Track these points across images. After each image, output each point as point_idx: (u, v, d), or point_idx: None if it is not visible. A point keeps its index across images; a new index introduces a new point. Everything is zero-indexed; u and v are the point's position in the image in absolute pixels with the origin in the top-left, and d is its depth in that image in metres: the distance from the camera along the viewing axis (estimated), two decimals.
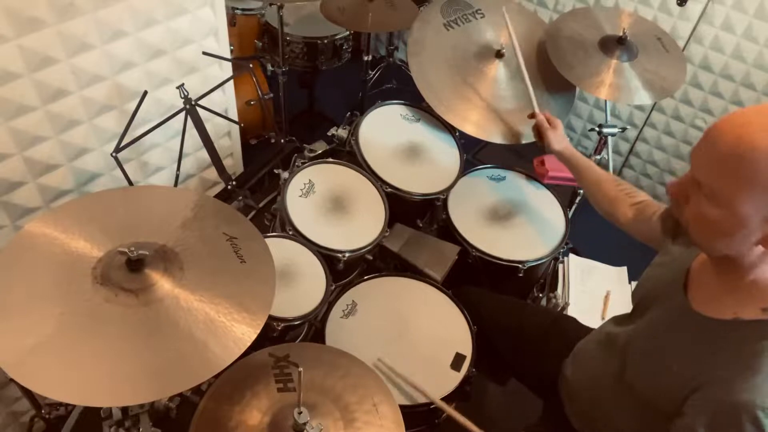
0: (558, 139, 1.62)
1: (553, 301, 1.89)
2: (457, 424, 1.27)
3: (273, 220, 1.83)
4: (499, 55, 1.90)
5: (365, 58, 2.58)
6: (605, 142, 2.06)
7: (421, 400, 1.39)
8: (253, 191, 2.00)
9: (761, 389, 0.85)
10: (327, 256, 1.58)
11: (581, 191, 2.12)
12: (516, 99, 1.87)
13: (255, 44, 2.75)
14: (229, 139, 2.19)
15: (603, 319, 1.81)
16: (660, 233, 1.04)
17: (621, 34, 1.85)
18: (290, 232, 1.58)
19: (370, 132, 1.83)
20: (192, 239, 1.18)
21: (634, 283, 1.90)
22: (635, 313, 1.20)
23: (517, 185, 1.94)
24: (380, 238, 1.66)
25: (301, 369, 1.01)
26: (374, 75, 2.86)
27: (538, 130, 1.68)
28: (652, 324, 1.11)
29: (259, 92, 2.43)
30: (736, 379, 0.87)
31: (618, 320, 1.27)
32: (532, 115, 1.71)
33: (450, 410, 1.31)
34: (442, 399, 1.39)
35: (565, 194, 2.00)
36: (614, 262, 1.99)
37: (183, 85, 1.68)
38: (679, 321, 1.03)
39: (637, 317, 1.18)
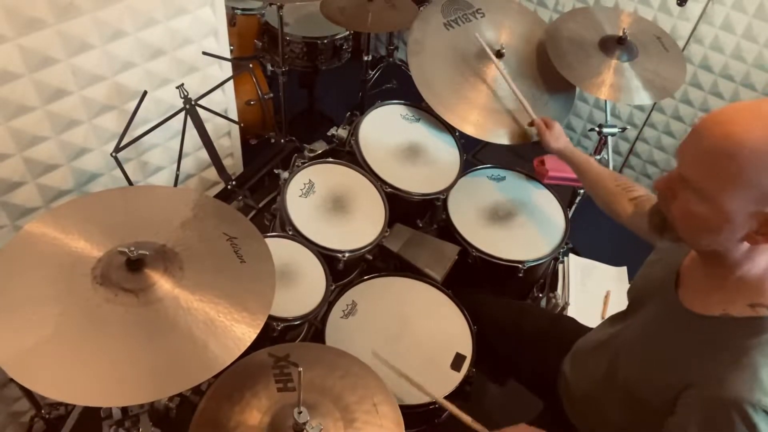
0: (555, 138, 1.66)
1: (553, 301, 1.88)
2: (457, 424, 1.27)
3: (273, 220, 1.83)
4: (499, 54, 1.89)
5: (365, 58, 2.58)
6: (605, 142, 2.06)
7: (423, 399, 1.39)
8: (253, 191, 2.00)
9: (750, 385, 0.85)
10: (327, 256, 1.58)
11: (581, 191, 2.12)
12: (516, 99, 1.87)
13: (255, 44, 2.74)
14: (229, 139, 2.19)
15: (603, 319, 1.81)
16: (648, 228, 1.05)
17: (621, 34, 1.85)
18: (290, 232, 1.58)
19: (370, 132, 1.83)
20: (192, 239, 1.18)
21: None
22: (629, 312, 1.22)
23: (517, 185, 1.94)
24: (380, 238, 1.66)
25: (301, 369, 1.02)
26: (374, 75, 2.86)
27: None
28: (644, 322, 1.12)
29: (259, 92, 2.43)
30: (725, 376, 0.88)
31: (613, 319, 1.28)
32: (532, 123, 1.77)
33: (445, 402, 1.31)
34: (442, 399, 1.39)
35: (565, 194, 2.00)
36: (614, 262, 1.99)
37: (183, 85, 1.68)
38: (670, 318, 1.03)
39: (630, 315, 1.19)
